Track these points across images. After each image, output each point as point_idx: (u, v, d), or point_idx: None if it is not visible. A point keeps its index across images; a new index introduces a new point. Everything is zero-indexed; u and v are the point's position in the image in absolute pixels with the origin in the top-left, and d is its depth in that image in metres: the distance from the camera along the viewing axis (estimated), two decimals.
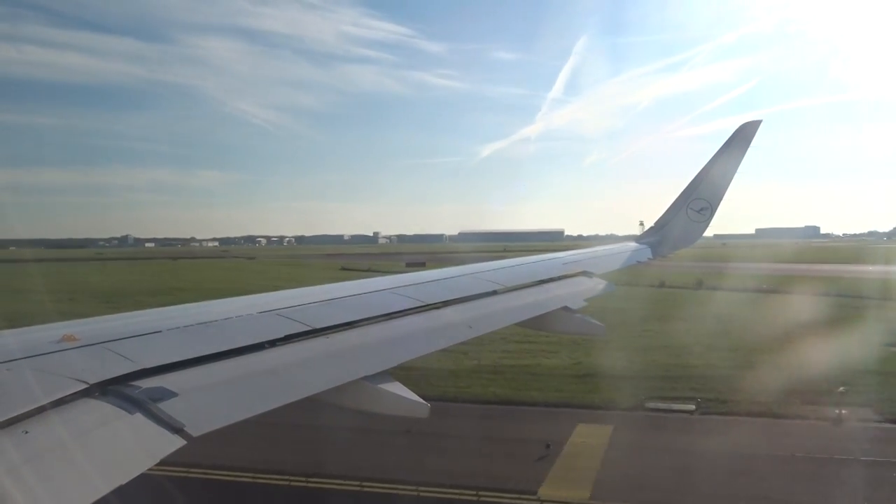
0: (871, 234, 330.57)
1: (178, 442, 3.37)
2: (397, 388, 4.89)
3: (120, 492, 2.97)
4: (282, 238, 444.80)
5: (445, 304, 6.87)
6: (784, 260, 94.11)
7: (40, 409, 3.21)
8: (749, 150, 13.11)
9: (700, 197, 13.53)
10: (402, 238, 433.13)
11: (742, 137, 13.13)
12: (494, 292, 7.80)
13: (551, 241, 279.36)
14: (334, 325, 5.45)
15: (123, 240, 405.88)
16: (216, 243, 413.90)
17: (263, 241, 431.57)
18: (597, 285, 9.85)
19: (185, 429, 3.45)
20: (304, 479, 17.15)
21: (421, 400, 4.91)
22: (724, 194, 13.48)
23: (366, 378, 4.79)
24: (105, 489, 2.93)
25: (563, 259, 11.29)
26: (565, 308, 8.20)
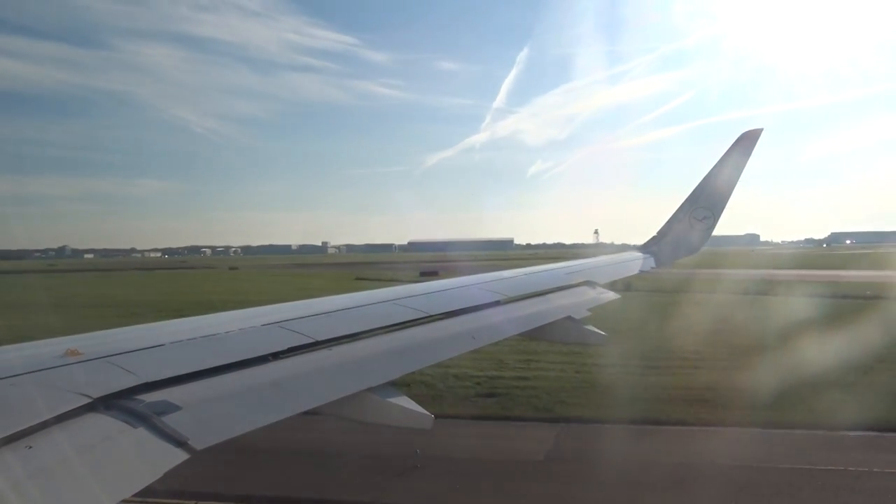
0: (807, 241, 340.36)
1: (181, 455, 3.37)
2: (401, 400, 4.90)
3: None
4: (227, 248, 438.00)
5: (448, 314, 6.86)
6: (795, 266, 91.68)
7: (44, 424, 3.21)
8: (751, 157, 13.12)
9: (703, 206, 13.53)
10: (350, 248, 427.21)
11: (744, 145, 13.13)
12: (497, 302, 7.79)
13: (501, 249, 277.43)
14: (338, 336, 5.45)
15: (60, 251, 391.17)
16: (159, 254, 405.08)
17: (208, 251, 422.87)
18: (600, 295, 9.84)
19: (189, 442, 3.45)
20: None
21: (425, 411, 4.91)
22: (726, 202, 13.47)
23: (370, 390, 4.79)
24: (109, 503, 2.93)
25: (565, 269, 11.28)
26: (569, 318, 8.18)
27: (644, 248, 14.16)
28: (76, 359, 4.12)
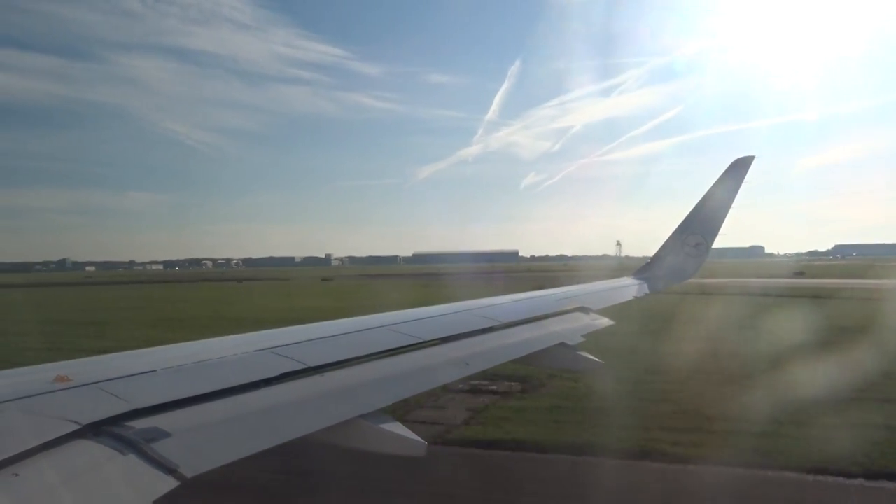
0: (811, 253, 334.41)
1: (171, 483, 3.33)
2: (394, 427, 4.88)
3: None
4: (228, 260, 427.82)
5: (442, 341, 6.86)
6: (854, 276, 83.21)
7: (31, 452, 3.17)
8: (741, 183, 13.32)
9: (695, 232, 13.67)
10: (353, 260, 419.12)
11: (736, 172, 13.36)
12: (490, 329, 7.79)
13: (508, 261, 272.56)
14: (330, 363, 5.43)
15: (61, 263, 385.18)
16: (159, 266, 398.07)
17: (209, 263, 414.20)
18: (594, 321, 9.86)
19: (180, 469, 3.41)
20: None
21: (419, 438, 4.88)
22: (719, 229, 13.63)
23: (362, 416, 4.76)
24: None
25: (558, 295, 11.32)
26: (562, 344, 8.18)
27: (638, 274, 14.26)
28: (65, 385, 4.08)
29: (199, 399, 4.25)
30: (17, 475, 2.99)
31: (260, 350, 5.47)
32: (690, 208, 13.86)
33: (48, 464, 3.15)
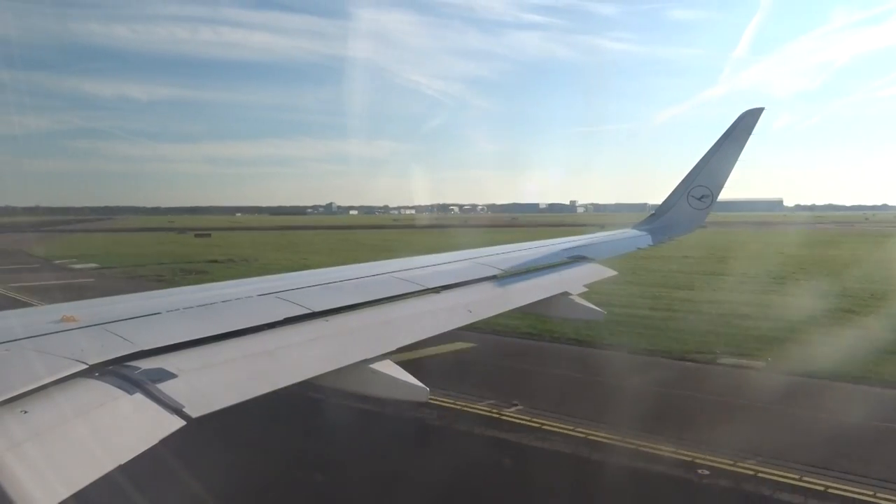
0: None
1: (177, 423, 3.39)
2: (396, 372, 4.93)
3: (121, 471, 2.98)
4: (474, 206, 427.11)
5: (445, 288, 6.88)
6: None
7: (40, 389, 3.21)
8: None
9: (701, 184, 13.54)
10: (598, 207, 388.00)
11: (744, 126, 13.13)
12: (494, 277, 7.80)
13: (769, 210, 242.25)
14: (334, 308, 5.46)
15: (328, 207, 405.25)
16: (411, 211, 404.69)
17: (456, 209, 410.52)
18: (596, 271, 9.87)
19: (185, 409, 3.46)
20: None
21: (421, 384, 4.94)
22: (725, 182, 13.50)
23: (365, 361, 4.81)
24: (106, 468, 2.94)
25: (562, 245, 11.31)
26: (565, 293, 8.22)
27: (641, 226, 14.20)
28: (72, 325, 4.12)
29: (203, 342, 4.29)
30: (25, 412, 3.03)
31: (264, 294, 5.50)
32: None
33: (56, 401, 3.20)
